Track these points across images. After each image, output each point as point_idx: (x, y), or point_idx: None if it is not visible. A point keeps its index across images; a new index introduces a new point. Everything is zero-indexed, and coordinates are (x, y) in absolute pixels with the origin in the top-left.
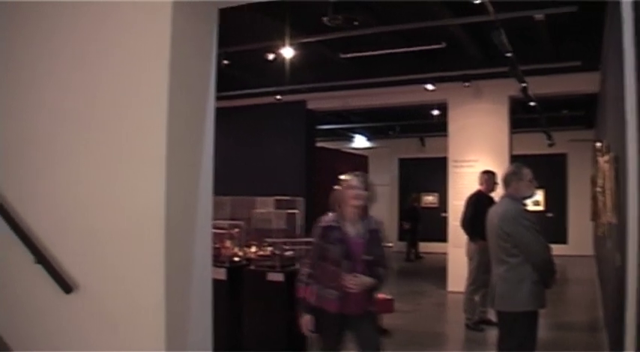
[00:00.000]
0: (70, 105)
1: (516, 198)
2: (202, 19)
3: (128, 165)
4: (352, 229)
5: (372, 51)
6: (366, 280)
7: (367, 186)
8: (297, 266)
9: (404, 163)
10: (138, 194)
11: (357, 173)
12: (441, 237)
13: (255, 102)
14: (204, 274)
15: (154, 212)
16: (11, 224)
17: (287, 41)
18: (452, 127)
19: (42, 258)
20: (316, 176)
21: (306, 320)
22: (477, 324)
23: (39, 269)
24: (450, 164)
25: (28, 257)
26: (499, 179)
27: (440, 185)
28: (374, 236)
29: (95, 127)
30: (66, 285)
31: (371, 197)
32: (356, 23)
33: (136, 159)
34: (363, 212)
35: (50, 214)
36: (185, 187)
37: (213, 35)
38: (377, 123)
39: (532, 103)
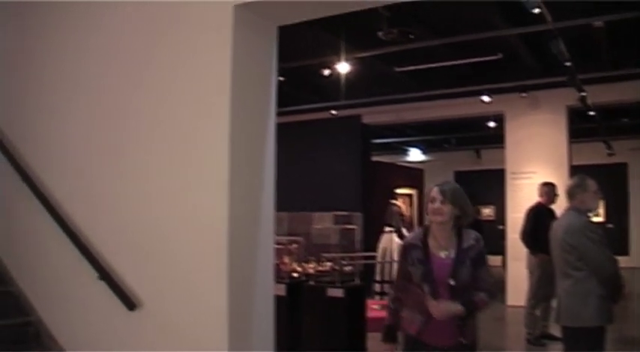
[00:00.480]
0: (135, 125)
1: (581, 211)
2: (263, 38)
3: (192, 181)
4: (438, 248)
5: (427, 64)
6: (452, 307)
7: (453, 198)
8: (357, 281)
9: (460, 176)
10: (201, 210)
11: (442, 182)
12: (498, 249)
13: (311, 117)
14: (266, 290)
15: (217, 228)
16: (75, 240)
17: (342, 56)
18: (509, 139)
19: (105, 274)
20: (372, 190)
21: (386, 350)
22: (538, 339)
23: (102, 285)
24: (508, 176)
25: (92, 273)
26: (561, 191)
27: (496, 197)
28: (468, 255)
29: (159, 146)
30: (129, 302)
31: (463, 211)
32: (411, 36)
33: (200, 175)
34: (456, 227)
35: (114, 231)
36: (248, 203)
37: (274, 53)
38: (432, 136)
39: (591, 112)
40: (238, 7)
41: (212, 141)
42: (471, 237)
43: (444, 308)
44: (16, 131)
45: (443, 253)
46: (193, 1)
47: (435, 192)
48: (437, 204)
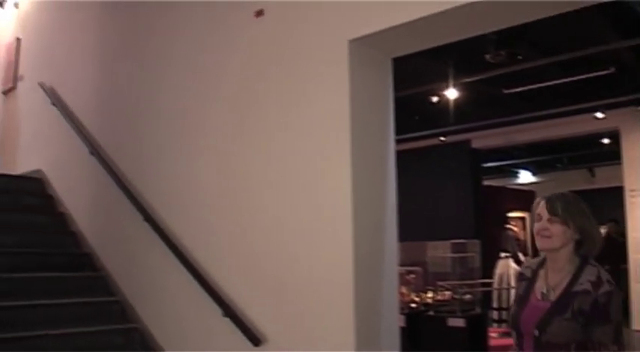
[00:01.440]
0: (256, 160)
1: None
2: (378, 70)
3: (315, 215)
4: (542, 283)
5: (537, 83)
6: None
7: (568, 214)
8: (477, 310)
9: None
10: (326, 244)
11: (553, 194)
12: None
13: (420, 145)
14: (392, 323)
15: (342, 261)
16: (198, 278)
17: (450, 82)
18: (626, 155)
19: (230, 311)
20: (485, 215)
21: None
22: None
23: (227, 322)
24: (627, 194)
25: (216, 310)
26: None
27: (613, 216)
28: (573, 303)
29: (281, 180)
30: (254, 338)
31: (585, 233)
32: (519, 57)
33: (323, 208)
34: (579, 258)
35: (237, 267)
36: (372, 235)
37: (389, 85)
38: (542, 156)
39: None
40: (353, 42)
41: (334, 174)
42: (590, 276)
43: None
44: (137, 171)
45: (543, 292)
46: (309, 36)
47: (541, 206)
48: (543, 223)
